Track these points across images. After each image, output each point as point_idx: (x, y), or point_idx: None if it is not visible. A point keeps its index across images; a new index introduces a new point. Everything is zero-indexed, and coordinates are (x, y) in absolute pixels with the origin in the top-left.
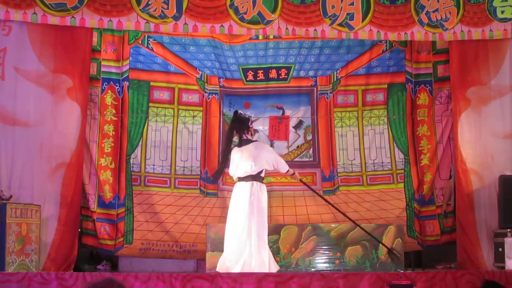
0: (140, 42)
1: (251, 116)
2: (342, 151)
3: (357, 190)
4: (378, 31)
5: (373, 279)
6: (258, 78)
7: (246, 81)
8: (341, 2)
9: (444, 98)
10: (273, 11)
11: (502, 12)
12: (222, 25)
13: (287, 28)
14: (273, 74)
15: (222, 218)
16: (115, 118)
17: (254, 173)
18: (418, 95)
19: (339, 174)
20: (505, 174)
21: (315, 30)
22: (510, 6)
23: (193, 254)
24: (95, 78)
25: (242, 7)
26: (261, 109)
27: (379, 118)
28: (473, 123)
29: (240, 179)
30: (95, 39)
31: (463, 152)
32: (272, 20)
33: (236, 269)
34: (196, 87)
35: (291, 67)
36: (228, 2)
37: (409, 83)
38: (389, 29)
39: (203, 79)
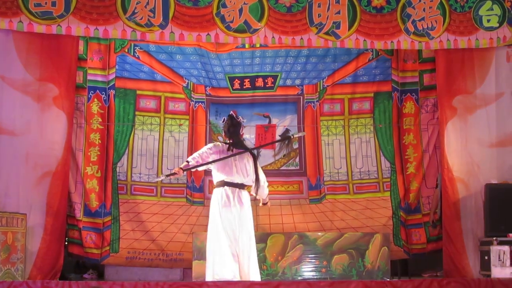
0: (126, 50)
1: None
2: (329, 160)
3: (344, 199)
4: (364, 40)
5: (359, 287)
6: (244, 87)
7: (233, 89)
8: (328, 10)
9: (430, 106)
10: (260, 20)
11: (488, 21)
12: (208, 34)
13: (273, 37)
14: (259, 82)
15: None
16: (101, 127)
17: None
18: (404, 103)
19: (325, 183)
20: (491, 183)
21: (301, 38)
22: (496, 15)
23: (179, 263)
24: (81, 86)
25: (229, 16)
26: (247, 117)
27: (365, 127)
28: (459, 131)
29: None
30: (81, 47)
31: (449, 161)
32: (259, 28)
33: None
34: (182, 96)
35: (278, 75)
36: (215, 11)
37: (395, 92)
38: (376, 37)
39: (189, 88)
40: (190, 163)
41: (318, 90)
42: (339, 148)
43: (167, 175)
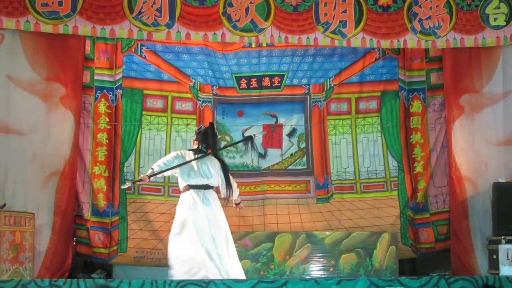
0: (133, 50)
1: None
2: (336, 159)
3: (351, 198)
4: (371, 39)
5: (367, 284)
6: (251, 86)
7: (240, 89)
8: (334, 9)
9: (437, 105)
10: (266, 19)
11: (495, 19)
12: (215, 33)
13: (280, 36)
14: (266, 82)
15: None
16: (109, 127)
17: None
18: (412, 102)
19: (333, 182)
20: (498, 181)
21: (308, 37)
22: (503, 13)
23: None
24: (89, 86)
25: (235, 15)
26: (254, 117)
27: (372, 126)
28: (467, 130)
29: None
30: (88, 47)
31: (457, 160)
32: (265, 28)
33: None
34: (189, 95)
35: (284, 75)
36: (221, 10)
37: (402, 91)
38: (382, 36)
39: (196, 87)
40: (155, 170)
41: (325, 89)
42: (346, 147)
43: (134, 182)
